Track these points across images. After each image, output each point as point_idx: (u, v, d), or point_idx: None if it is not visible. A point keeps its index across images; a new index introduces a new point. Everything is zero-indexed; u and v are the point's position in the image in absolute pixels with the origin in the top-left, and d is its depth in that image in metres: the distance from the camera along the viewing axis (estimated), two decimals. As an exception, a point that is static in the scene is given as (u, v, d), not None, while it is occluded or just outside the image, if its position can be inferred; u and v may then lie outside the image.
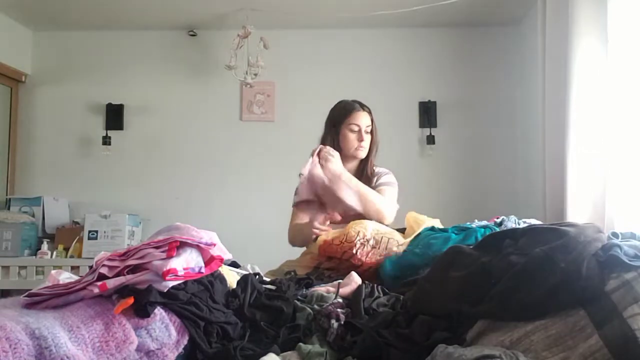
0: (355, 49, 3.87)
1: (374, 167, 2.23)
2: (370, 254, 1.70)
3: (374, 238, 1.73)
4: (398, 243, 1.74)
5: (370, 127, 2.16)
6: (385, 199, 2.06)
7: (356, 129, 2.13)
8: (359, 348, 1.10)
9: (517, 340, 0.98)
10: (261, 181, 3.77)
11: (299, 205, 2.16)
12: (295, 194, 2.22)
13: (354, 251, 1.69)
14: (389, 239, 1.74)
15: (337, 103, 2.24)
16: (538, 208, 2.83)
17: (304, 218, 2.14)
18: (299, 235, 2.09)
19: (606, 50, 2.34)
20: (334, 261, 1.77)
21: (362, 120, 2.14)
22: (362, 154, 2.16)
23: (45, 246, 3.35)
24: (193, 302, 1.12)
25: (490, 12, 3.60)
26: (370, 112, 2.18)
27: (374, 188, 2.16)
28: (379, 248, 1.71)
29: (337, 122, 2.16)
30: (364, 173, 2.19)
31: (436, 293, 1.20)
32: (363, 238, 1.72)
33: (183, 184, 3.82)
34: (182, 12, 3.62)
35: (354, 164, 2.21)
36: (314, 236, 1.92)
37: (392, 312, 1.24)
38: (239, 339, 1.13)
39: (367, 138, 2.15)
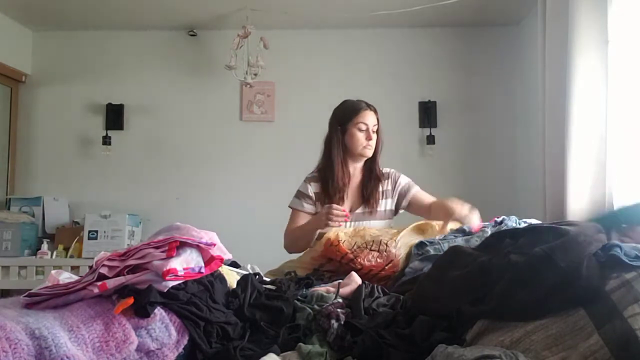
0: (355, 49, 3.87)
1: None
2: (369, 256, 1.72)
3: (373, 241, 1.74)
4: (396, 244, 1.75)
5: (376, 127, 2.16)
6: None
7: (364, 127, 2.12)
8: (359, 348, 1.10)
9: (517, 340, 0.98)
10: (261, 181, 3.77)
11: (298, 211, 2.18)
12: (296, 196, 2.22)
13: (352, 256, 1.71)
14: (387, 240, 1.76)
15: (342, 103, 2.23)
16: (538, 208, 2.83)
17: (302, 222, 2.15)
18: (300, 239, 2.08)
19: (606, 50, 2.33)
20: (334, 263, 1.78)
21: (370, 119, 2.14)
22: (369, 152, 2.15)
23: (45, 246, 3.35)
24: (193, 302, 1.12)
25: (490, 12, 3.60)
26: (376, 112, 2.18)
27: (393, 190, 2.19)
28: (377, 250, 1.73)
29: (344, 121, 2.15)
30: (372, 173, 2.18)
31: (436, 293, 1.20)
32: (362, 244, 1.74)
33: (183, 184, 3.82)
34: (182, 12, 3.62)
35: (360, 164, 2.21)
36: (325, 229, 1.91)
37: (392, 312, 1.24)
38: (239, 339, 1.13)
39: (374, 137, 2.15)
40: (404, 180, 2.20)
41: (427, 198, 2.15)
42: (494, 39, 3.81)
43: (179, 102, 3.89)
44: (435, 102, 3.78)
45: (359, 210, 2.15)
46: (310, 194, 2.17)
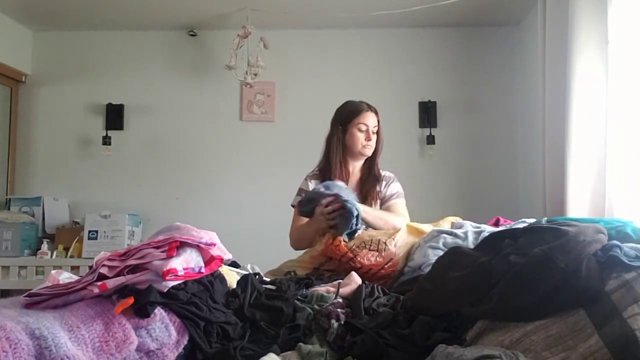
0: (355, 49, 3.87)
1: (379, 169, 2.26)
2: (369, 255, 1.72)
3: (372, 240, 1.75)
4: (396, 243, 1.75)
5: (377, 128, 2.21)
6: (402, 218, 2.09)
7: (364, 128, 2.17)
8: (359, 348, 1.10)
9: (517, 340, 0.98)
10: (261, 181, 3.76)
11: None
12: (297, 194, 2.22)
13: (352, 255, 1.71)
14: (386, 239, 1.76)
15: (345, 103, 2.27)
16: (538, 208, 2.83)
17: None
18: (304, 238, 2.07)
19: (606, 50, 2.33)
20: (334, 262, 1.78)
21: (370, 120, 2.19)
22: (369, 152, 2.20)
23: (45, 246, 3.35)
24: (193, 302, 1.12)
25: (490, 13, 3.60)
26: (377, 113, 2.22)
27: (383, 195, 2.19)
28: (377, 250, 1.74)
29: (345, 121, 2.20)
30: (371, 172, 2.22)
31: (436, 293, 1.20)
32: (361, 243, 1.74)
33: (183, 184, 3.82)
34: (182, 12, 3.62)
35: (359, 163, 2.25)
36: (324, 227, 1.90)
37: (392, 312, 1.24)
38: (239, 339, 1.13)
39: (374, 138, 2.19)
40: (394, 188, 2.23)
41: (397, 211, 2.15)
42: (494, 39, 3.81)
43: (179, 102, 3.88)
44: (435, 102, 3.78)
45: None
46: None
